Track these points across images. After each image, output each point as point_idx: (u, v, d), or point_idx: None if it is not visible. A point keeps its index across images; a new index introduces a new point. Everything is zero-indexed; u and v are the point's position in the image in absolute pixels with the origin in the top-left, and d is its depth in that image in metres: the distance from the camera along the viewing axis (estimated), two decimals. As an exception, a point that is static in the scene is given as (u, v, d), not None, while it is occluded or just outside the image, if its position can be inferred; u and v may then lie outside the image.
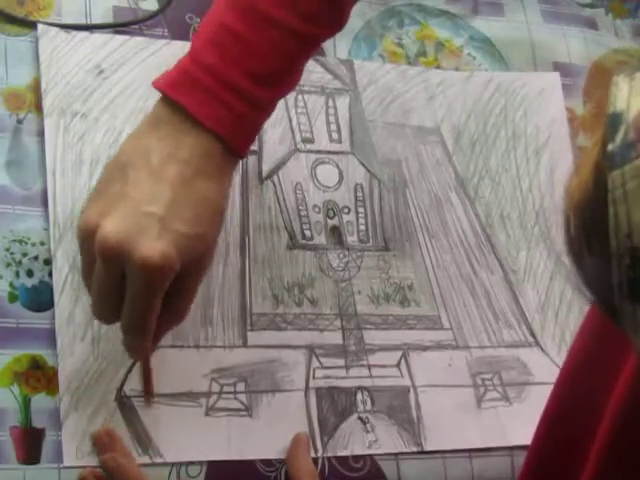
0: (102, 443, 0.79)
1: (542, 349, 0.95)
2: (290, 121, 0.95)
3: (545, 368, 0.93)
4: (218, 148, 0.74)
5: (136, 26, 0.94)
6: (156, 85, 0.75)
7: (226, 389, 0.83)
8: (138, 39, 0.93)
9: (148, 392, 0.81)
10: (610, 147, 0.47)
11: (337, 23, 0.79)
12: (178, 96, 0.73)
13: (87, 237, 0.72)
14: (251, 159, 0.91)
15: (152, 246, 0.69)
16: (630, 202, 0.46)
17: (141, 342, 0.76)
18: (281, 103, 0.82)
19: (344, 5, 0.78)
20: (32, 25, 0.90)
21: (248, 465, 0.83)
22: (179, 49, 0.93)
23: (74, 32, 0.91)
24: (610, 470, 0.67)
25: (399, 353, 0.90)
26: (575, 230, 0.51)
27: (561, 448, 0.74)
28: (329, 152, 0.95)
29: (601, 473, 0.67)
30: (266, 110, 0.77)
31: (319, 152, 0.95)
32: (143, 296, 0.71)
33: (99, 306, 0.74)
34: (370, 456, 0.86)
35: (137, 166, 0.72)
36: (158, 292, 0.71)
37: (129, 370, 0.82)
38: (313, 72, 0.97)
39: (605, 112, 0.49)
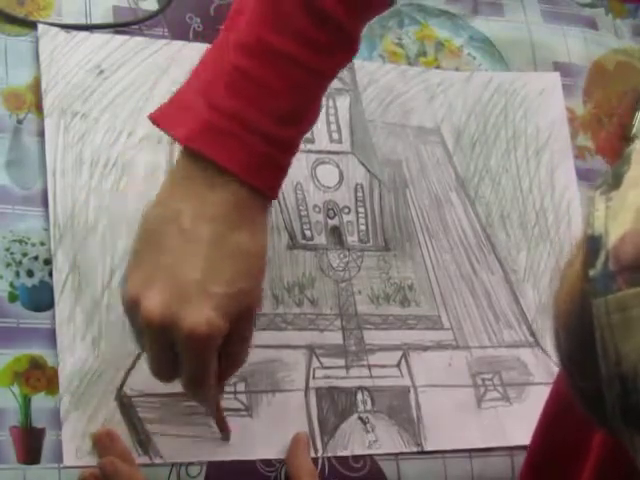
0: (102, 444, 0.79)
1: (542, 349, 0.95)
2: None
3: (545, 368, 0.93)
4: (248, 196, 0.72)
5: (136, 26, 0.94)
6: (176, 136, 0.73)
7: (226, 389, 0.83)
8: (138, 39, 0.93)
9: (225, 430, 0.81)
10: (592, 272, 0.47)
11: (350, 51, 0.78)
12: (200, 147, 0.72)
13: (132, 310, 0.72)
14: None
15: (196, 316, 0.69)
16: (616, 333, 0.45)
17: (205, 395, 0.76)
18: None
19: (354, 32, 0.77)
20: (32, 25, 0.90)
21: (248, 465, 0.82)
22: (179, 49, 0.94)
23: (74, 32, 0.91)
24: (611, 469, 0.67)
25: (399, 353, 0.90)
26: (564, 343, 0.50)
27: (561, 446, 0.74)
28: (329, 152, 0.95)
29: (602, 471, 0.67)
30: (292, 148, 0.75)
31: (319, 152, 0.94)
32: (196, 361, 0.72)
33: (157, 369, 0.75)
34: (370, 456, 0.86)
35: (168, 232, 0.71)
36: (210, 356, 0.72)
37: (129, 370, 0.82)
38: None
39: (585, 228, 0.48)
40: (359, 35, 0.78)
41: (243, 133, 0.72)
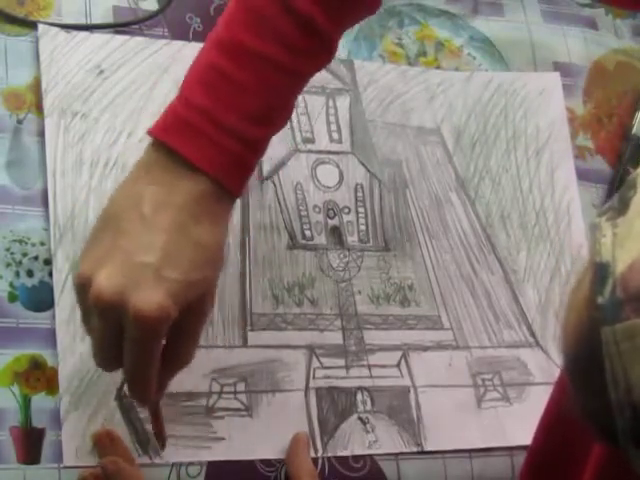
0: (102, 444, 0.79)
1: (542, 349, 0.95)
2: (290, 121, 0.95)
3: (545, 368, 0.93)
4: (213, 191, 0.72)
5: (136, 26, 0.94)
6: (148, 131, 0.73)
7: (226, 389, 0.83)
8: (138, 39, 0.93)
9: (160, 438, 0.80)
10: (600, 300, 0.47)
11: (326, 55, 0.77)
12: (170, 139, 0.72)
13: (82, 289, 0.71)
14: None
15: (147, 297, 0.68)
16: (625, 362, 0.45)
17: (145, 390, 0.74)
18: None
19: (332, 37, 0.76)
20: (32, 25, 0.90)
21: (248, 465, 0.82)
22: (179, 49, 0.94)
23: (74, 32, 0.91)
24: (612, 470, 0.66)
25: (399, 353, 0.90)
26: (574, 368, 0.50)
27: (562, 447, 0.74)
28: (329, 152, 0.95)
29: (603, 473, 0.67)
30: (260, 149, 0.75)
31: (319, 152, 0.94)
32: (141, 346, 0.70)
33: (100, 355, 0.73)
34: (370, 456, 0.86)
35: (129, 215, 0.71)
36: (156, 342, 0.70)
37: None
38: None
39: (591, 257, 0.48)
40: (338, 39, 0.77)
41: (212, 129, 0.72)
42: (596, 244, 0.48)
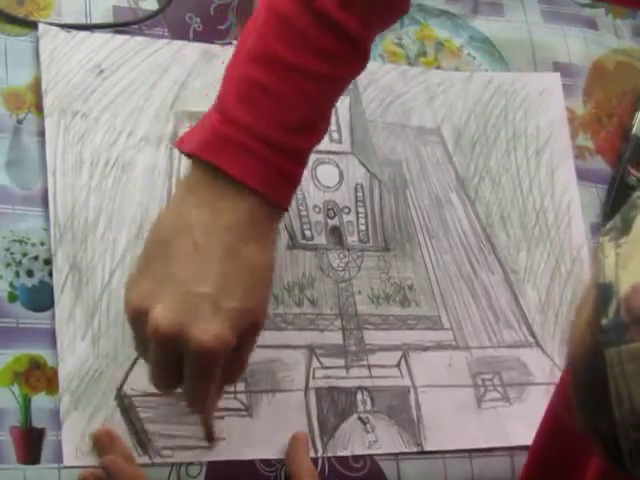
0: (102, 443, 0.79)
1: (542, 349, 0.95)
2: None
3: (545, 368, 0.93)
4: (260, 207, 0.72)
5: (136, 26, 0.94)
6: (187, 149, 0.73)
7: (226, 389, 0.83)
8: (138, 39, 0.93)
9: (210, 439, 0.82)
10: (604, 321, 0.47)
11: (361, 61, 0.77)
12: (213, 158, 0.71)
13: (138, 319, 0.71)
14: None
15: (207, 329, 0.69)
16: (630, 383, 0.45)
17: (203, 408, 0.77)
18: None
19: (365, 42, 0.76)
20: (32, 25, 0.90)
21: (248, 465, 0.83)
22: (179, 49, 0.94)
23: (74, 32, 0.91)
24: (613, 474, 0.66)
25: (399, 353, 0.90)
26: (579, 387, 0.50)
27: (563, 451, 0.74)
28: (329, 152, 0.95)
29: (604, 477, 0.67)
30: (303, 159, 0.75)
31: (319, 152, 0.94)
32: (201, 375, 0.72)
33: (158, 380, 0.74)
34: (370, 456, 0.86)
35: (179, 241, 0.71)
36: (216, 370, 0.71)
37: (129, 370, 0.82)
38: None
39: (595, 277, 0.48)
40: (370, 44, 0.77)
41: (254, 143, 0.71)
42: (599, 265, 0.48)
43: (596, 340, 0.47)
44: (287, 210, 0.76)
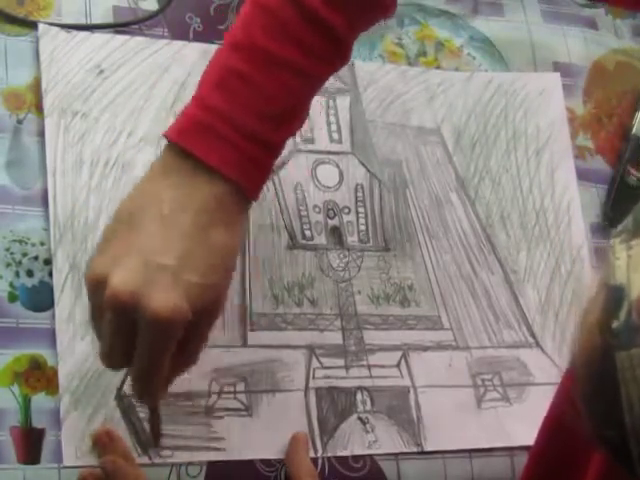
0: (102, 443, 0.79)
1: (542, 350, 0.95)
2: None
3: (545, 369, 0.93)
4: (230, 193, 0.72)
5: (136, 26, 0.94)
6: (164, 134, 0.73)
7: (226, 389, 0.83)
8: (138, 39, 0.93)
9: (156, 437, 0.80)
10: (615, 324, 0.46)
11: (342, 58, 0.78)
12: (187, 143, 0.72)
13: (96, 287, 0.70)
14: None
15: (164, 299, 0.68)
16: None
17: (152, 390, 0.74)
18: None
19: (347, 40, 0.76)
20: (32, 25, 0.90)
21: (248, 465, 0.83)
22: (179, 49, 0.94)
23: (75, 32, 0.91)
24: (614, 474, 0.66)
25: (399, 353, 0.90)
26: (586, 393, 0.50)
27: (564, 451, 0.74)
28: (329, 152, 0.95)
29: (606, 475, 0.67)
30: (276, 150, 0.75)
31: (319, 152, 0.94)
32: (155, 347, 0.70)
33: (108, 354, 0.73)
34: (370, 456, 0.86)
35: (148, 215, 0.71)
36: (170, 343, 0.71)
37: (129, 369, 0.81)
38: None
39: (605, 279, 0.48)
40: (353, 42, 0.77)
41: (230, 131, 0.72)
42: (610, 266, 0.48)
43: (606, 343, 0.47)
44: (256, 199, 0.75)
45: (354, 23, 0.76)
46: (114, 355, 0.73)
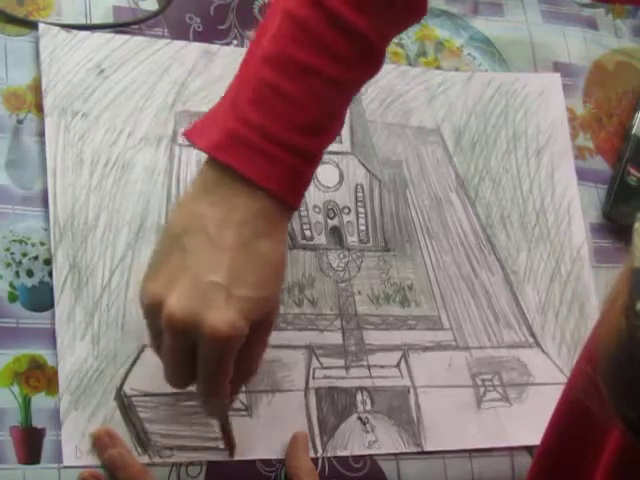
0: (102, 442, 0.79)
1: (542, 350, 0.95)
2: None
3: (545, 369, 0.93)
4: (272, 205, 0.73)
5: (136, 26, 0.94)
6: (201, 145, 0.74)
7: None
8: (138, 39, 0.93)
9: (230, 446, 0.82)
10: (639, 306, 0.46)
11: (374, 66, 0.78)
12: (226, 158, 0.73)
13: (153, 312, 0.72)
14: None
15: (220, 317, 0.69)
16: None
17: (217, 403, 0.77)
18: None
19: (379, 46, 0.77)
20: (32, 25, 0.90)
21: (248, 465, 0.83)
22: (179, 49, 0.94)
23: (75, 32, 0.90)
24: (624, 469, 0.66)
25: (399, 353, 0.90)
26: (610, 376, 0.50)
27: (573, 448, 0.74)
28: (329, 152, 0.94)
29: (615, 473, 0.67)
30: (315, 160, 0.76)
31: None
32: (216, 363, 0.72)
33: (172, 374, 0.75)
34: (370, 456, 0.86)
35: (193, 235, 0.72)
36: (229, 359, 0.72)
37: (129, 369, 0.82)
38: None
39: (630, 261, 0.48)
40: (385, 47, 0.78)
41: (266, 144, 0.72)
42: (634, 249, 0.48)
43: (631, 325, 0.47)
44: (297, 209, 0.77)
45: (384, 29, 0.76)
46: (178, 375, 0.75)
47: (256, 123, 0.72)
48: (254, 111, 0.73)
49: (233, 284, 0.71)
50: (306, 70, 0.73)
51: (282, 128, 0.73)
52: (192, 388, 0.78)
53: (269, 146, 0.72)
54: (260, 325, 0.74)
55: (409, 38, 1.03)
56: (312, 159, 0.76)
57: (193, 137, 0.75)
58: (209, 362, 0.72)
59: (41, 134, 0.86)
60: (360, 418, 0.87)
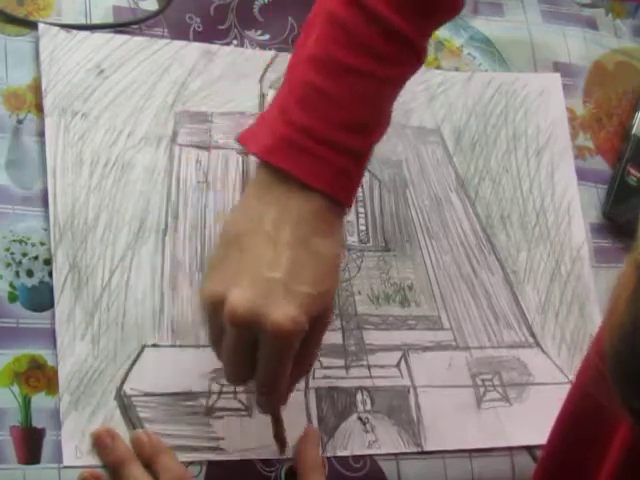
0: (103, 442, 0.79)
1: (542, 350, 0.95)
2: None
3: (545, 369, 0.93)
4: (325, 205, 0.75)
5: (136, 26, 0.94)
6: (254, 150, 0.76)
7: (226, 389, 0.83)
8: (138, 39, 0.93)
9: (281, 443, 0.82)
10: None
11: (416, 61, 0.79)
12: (277, 161, 0.74)
13: (215, 308, 0.73)
14: (252, 159, 0.91)
15: (282, 312, 0.71)
16: None
17: (275, 400, 0.78)
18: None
19: (419, 42, 0.78)
20: (32, 25, 0.90)
21: (248, 465, 0.82)
22: (179, 49, 0.94)
23: (75, 32, 0.90)
24: (630, 471, 0.66)
25: (399, 353, 0.90)
26: (617, 366, 0.50)
27: (579, 448, 0.74)
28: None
29: (620, 474, 0.67)
30: (364, 157, 0.77)
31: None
32: (277, 358, 0.73)
33: (232, 371, 0.76)
34: (370, 456, 0.86)
35: (251, 234, 0.74)
36: (290, 354, 0.73)
37: (129, 369, 0.82)
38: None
39: (636, 254, 0.48)
40: (425, 45, 0.79)
41: (314, 145, 0.74)
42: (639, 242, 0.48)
43: (636, 317, 0.47)
44: (350, 206, 0.78)
45: (423, 25, 0.78)
46: (238, 371, 0.76)
47: (303, 125, 0.74)
48: (300, 113, 0.74)
49: (292, 280, 0.72)
50: (348, 70, 0.75)
51: (328, 128, 0.74)
52: (192, 388, 0.78)
53: (317, 147, 0.74)
54: (317, 322, 0.74)
55: (409, 38, 1.03)
56: (361, 157, 0.77)
57: (245, 142, 0.77)
58: (271, 357, 0.73)
59: (41, 134, 0.86)
60: (360, 418, 0.87)
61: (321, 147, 0.74)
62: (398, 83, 0.80)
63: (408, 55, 0.78)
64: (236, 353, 0.74)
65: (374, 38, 0.75)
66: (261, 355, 0.73)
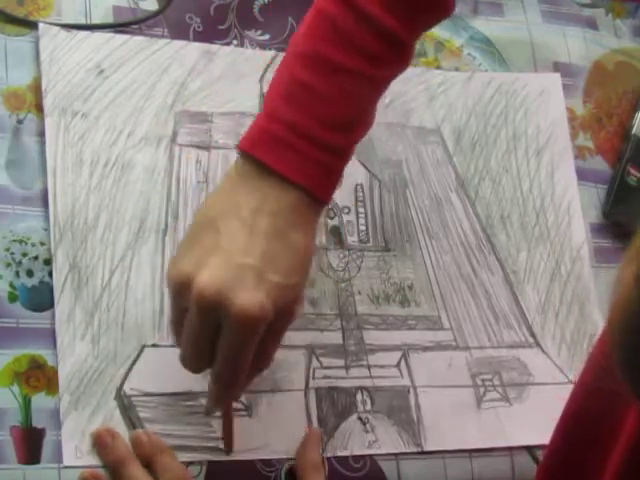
0: (103, 442, 0.79)
1: (542, 350, 0.95)
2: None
3: (545, 369, 0.93)
4: (303, 199, 0.74)
5: (136, 26, 0.94)
6: (237, 146, 0.76)
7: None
8: (138, 39, 0.93)
9: (228, 443, 0.82)
10: None
11: (403, 61, 0.79)
12: (258, 153, 0.74)
13: (181, 288, 0.72)
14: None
15: (250, 297, 0.70)
16: None
17: (230, 391, 0.77)
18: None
19: (408, 43, 0.78)
20: (32, 25, 0.90)
21: (248, 465, 0.82)
22: (179, 49, 0.94)
23: (75, 32, 0.90)
24: (634, 470, 0.66)
25: (399, 353, 0.90)
26: (625, 353, 0.50)
27: (582, 448, 0.74)
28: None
29: (624, 473, 0.67)
30: (345, 155, 0.77)
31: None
32: (238, 346, 0.72)
33: (190, 356, 0.75)
34: (370, 456, 0.86)
35: (228, 219, 0.73)
36: (253, 341, 0.72)
37: (129, 369, 0.82)
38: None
39: None
40: (413, 44, 0.79)
41: (298, 141, 0.74)
42: None
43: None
44: (329, 203, 0.78)
45: (413, 25, 0.78)
46: (196, 358, 0.75)
47: (287, 119, 0.74)
48: (285, 108, 0.74)
49: (265, 268, 0.72)
50: (336, 67, 0.75)
51: (312, 124, 0.74)
52: (192, 388, 0.78)
53: (300, 142, 0.74)
54: (283, 313, 0.74)
55: (409, 38, 1.03)
56: (343, 155, 0.77)
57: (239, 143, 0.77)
58: (233, 343, 0.72)
59: (41, 134, 0.86)
60: (360, 418, 0.87)
61: (303, 142, 0.74)
62: (384, 83, 0.79)
63: (397, 55, 0.78)
64: (198, 337, 0.73)
65: (364, 37, 0.75)
66: (223, 341, 0.72)
